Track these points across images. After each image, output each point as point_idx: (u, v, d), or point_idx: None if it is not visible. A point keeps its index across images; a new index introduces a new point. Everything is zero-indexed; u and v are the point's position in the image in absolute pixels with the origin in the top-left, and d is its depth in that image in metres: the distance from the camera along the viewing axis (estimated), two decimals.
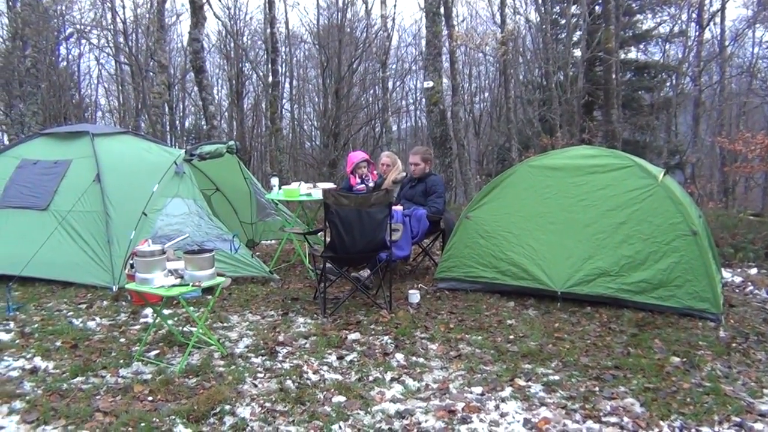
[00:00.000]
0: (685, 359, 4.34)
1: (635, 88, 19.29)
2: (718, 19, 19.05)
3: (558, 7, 18.90)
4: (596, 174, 5.75)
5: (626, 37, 18.73)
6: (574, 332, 4.97)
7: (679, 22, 18.19)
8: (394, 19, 22.17)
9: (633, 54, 19.79)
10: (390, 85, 23.68)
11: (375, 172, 7.51)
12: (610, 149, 6.77)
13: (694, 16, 18.13)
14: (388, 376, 4.11)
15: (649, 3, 18.51)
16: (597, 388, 3.89)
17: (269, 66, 19.40)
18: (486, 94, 26.54)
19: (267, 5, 18.84)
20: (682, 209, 5.38)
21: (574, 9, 16.76)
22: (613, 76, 16.47)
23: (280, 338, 4.85)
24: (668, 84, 19.37)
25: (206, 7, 15.68)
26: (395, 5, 46.77)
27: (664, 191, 5.47)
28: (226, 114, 26.32)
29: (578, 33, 17.15)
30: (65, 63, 22.96)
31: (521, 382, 3.98)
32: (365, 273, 6.13)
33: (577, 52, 16.80)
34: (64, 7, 19.59)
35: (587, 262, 5.53)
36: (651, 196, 5.47)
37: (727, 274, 6.88)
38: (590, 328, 5.08)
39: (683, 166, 16.74)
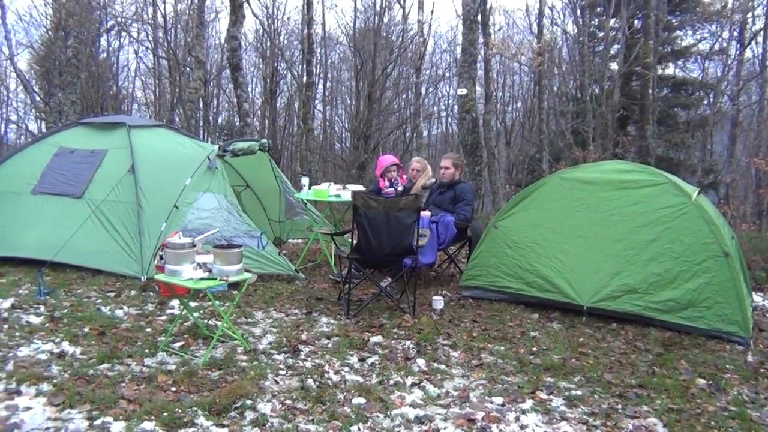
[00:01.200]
0: (711, 382, 4.27)
1: (671, 105, 19.01)
2: (760, 39, 18.61)
3: (596, 20, 18.74)
4: (628, 189, 5.68)
5: (665, 52, 18.49)
6: (598, 348, 4.92)
7: (720, 39, 17.88)
8: (430, 25, 22.23)
9: (671, 70, 19.53)
10: (423, 90, 23.69)
11: (404, 176, 7.52)
12: (643, 165, 6.68)
13: (735, 34, 17.77)
14: (409, 380, 4.12)
15: (689, 19, 18.24)
16: (620, 406, 3.84)
17: (304, 66, 19.57)
18: (519, 104, 26.45)
19: (305, 6, 18.98)
20: (715, 230, 5.28)
21: (612, 22, 16.59)
22: (650, 91, 16.26)
23: (303, 337, 4.88)
24: (705, 102, 19.03)
25: (245, 5, 15.86)
26: (432, 11, 46.85)
27: (698, 210, 5.38)
28: (258, 112, 26.54)
29: (616, 46, 16.98)
30: (105, 55, 23.41)
31: (543, 395, 3.95)
32: (385, 282, 6.12)
33: (614, 66, 16.60)
34: (106, 0, 20.00)
35: (615, 278, 5.47)
36: (684, 215, 5.38)
37: (758, 297, 6.75)
38: (615, 344, 5.02)
39: (717, 186, 16.42)
